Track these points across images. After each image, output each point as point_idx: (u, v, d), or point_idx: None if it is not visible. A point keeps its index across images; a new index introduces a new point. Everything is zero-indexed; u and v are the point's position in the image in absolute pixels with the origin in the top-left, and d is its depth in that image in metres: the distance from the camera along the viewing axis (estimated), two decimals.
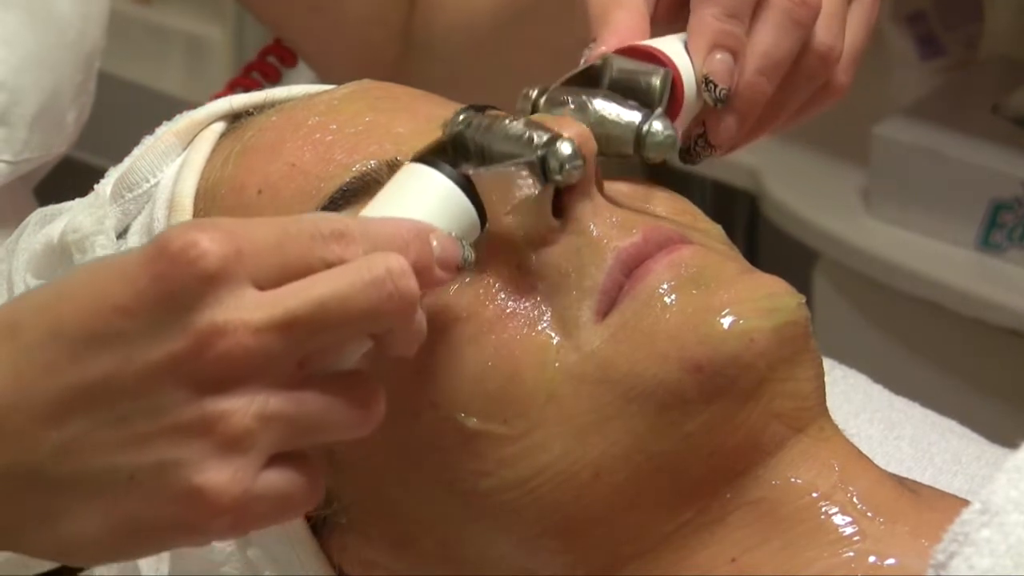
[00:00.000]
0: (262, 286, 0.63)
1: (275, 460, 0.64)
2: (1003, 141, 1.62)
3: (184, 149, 0.83)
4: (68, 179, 1.07)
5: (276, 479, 0.64)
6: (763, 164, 1.74)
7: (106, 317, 0.63)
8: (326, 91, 0.84)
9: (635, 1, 0.79)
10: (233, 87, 1.14)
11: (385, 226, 0.67)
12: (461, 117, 0.73)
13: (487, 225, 0.72)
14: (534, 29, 1.00)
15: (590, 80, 0.77)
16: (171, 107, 0.90)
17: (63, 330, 0.63)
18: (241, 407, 0.62)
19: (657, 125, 0.75)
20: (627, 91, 0.77)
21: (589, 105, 0.76)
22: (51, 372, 0.63)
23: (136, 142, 0.86)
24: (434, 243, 0.67)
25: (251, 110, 0.84)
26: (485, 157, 0.72)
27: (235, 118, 0.84)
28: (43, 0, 1.00)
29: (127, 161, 0.85)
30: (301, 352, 0.64)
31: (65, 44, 1.02)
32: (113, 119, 1.32)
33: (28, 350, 0.64)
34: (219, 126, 0.84)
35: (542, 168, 0.71)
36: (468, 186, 0.70)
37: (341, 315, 0.63)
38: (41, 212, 0.87)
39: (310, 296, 0.63)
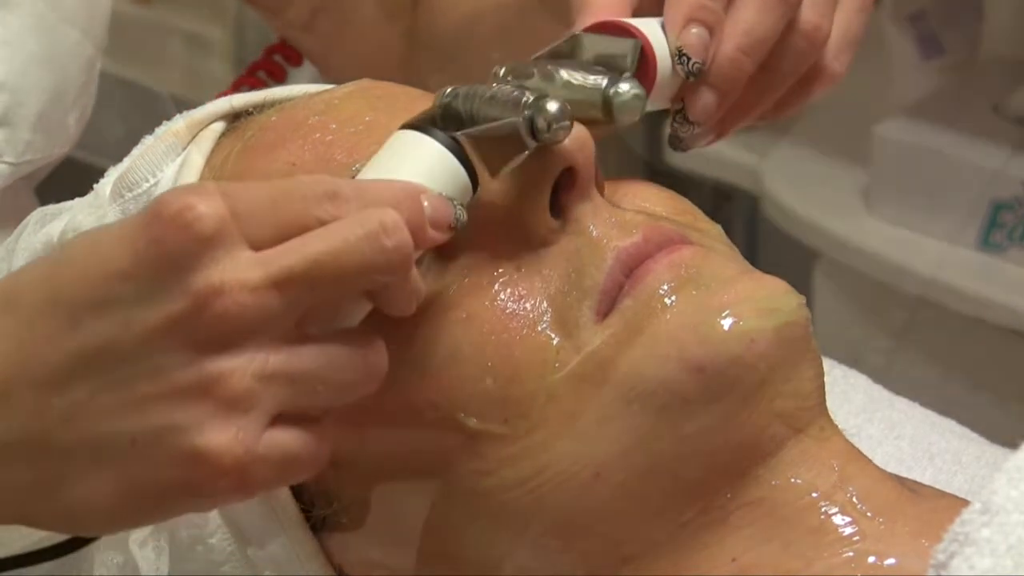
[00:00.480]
0: (258, 246, 0.64)
1: (280, 420, 0.64)
2: (1003, 141, 1.62)
3: (184, 149, 0.83)
4: (68, 179, 1.07)
5: (280, 439, 0.64)
6: (763, 164, 1.74)
7: (104, 282, 0.63)
8: (326, 91, 0.84)
9: None
10: (238, 86, 1.14)
11: (377, 187, 0.68)
12: (449, 89, 0.73)
13: (479, 188, 0.72)
14: (538, 28, 1.00)
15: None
16: (171, 107, 0.90)
17: (62, 297, 0.64)
18: (240, 366, 0.63)
19: (624, 86, 0.75)
20: (599, 65, 0.77)
21: (555, 74, 0.76)
22: (52, 339, 0.64)
23: (136, 142, 0.86)
24: (425, 203, 0.67)
25: (251, 109, 0.84)
26: (476, 123, 0.72)
27: (235, 118, 0.85)
28: (46, 1, 1.00)
29: (127, 160, 0.85)
30: (299, 309, 0.64)
31: (68, 45, 1.02)
32: (113, 119, 1.32)
33: (28, 319, 0.64)
34: (219, 126, 0.84)
35: (530, 128, 0.71)
36: (457, 148, 0.71)
37: (337, 270, 0.64)
38: (41, 211, 0.87)
39: (305, 253, 0.63)
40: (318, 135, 0.79)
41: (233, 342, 0.63)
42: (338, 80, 0.86)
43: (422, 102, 0.81)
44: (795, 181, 1.73)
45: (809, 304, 0.74)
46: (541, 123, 0.71)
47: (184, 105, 0.89)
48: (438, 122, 0.72)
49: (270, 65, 1.16)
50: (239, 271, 0.63)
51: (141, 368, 0.63)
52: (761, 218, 1.80)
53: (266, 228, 0.64)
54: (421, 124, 0.71)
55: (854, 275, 1.68)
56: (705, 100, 0.78)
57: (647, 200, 0.78)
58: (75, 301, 0.64)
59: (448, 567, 0.75)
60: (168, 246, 0.62)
